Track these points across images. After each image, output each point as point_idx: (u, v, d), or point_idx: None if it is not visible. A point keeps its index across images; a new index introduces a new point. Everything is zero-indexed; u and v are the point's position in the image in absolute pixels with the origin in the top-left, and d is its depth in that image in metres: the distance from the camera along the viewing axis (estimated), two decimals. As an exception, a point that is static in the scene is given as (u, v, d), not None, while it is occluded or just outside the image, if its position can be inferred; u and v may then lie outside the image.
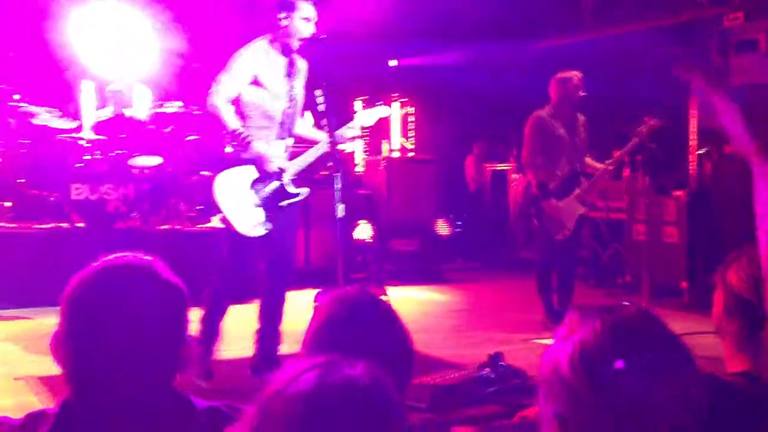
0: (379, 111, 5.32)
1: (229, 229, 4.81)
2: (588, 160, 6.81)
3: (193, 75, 8.67)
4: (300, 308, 4.68)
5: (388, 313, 1.87)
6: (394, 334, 1.83)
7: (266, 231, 4.83)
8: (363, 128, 5.36)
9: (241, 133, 4.75)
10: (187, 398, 1.66)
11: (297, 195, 4.96)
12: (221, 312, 4.91)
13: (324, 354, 1.21)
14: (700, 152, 9.08)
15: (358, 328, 1.77)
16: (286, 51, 4.85)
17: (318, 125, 5.01)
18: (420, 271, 9.81)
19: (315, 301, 1.92)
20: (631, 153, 6.85)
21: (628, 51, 10.58)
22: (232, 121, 4.76)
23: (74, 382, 1.61)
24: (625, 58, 10.57)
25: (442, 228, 10.69)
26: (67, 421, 1.57)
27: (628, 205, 9.06)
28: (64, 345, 1.61)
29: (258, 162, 4.81)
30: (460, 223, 12.29)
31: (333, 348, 1.66)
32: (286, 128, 4.92)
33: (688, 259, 8.20)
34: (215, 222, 8.35)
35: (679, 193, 8.60)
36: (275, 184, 4.88)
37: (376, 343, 1.73)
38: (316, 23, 4.79)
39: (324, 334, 1.77)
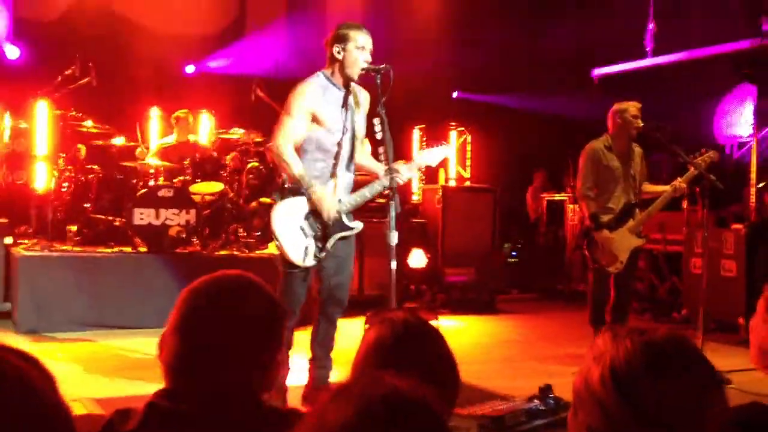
0: (442, 151, 5.21)
1: (283, 258, 4.82)
2: (648, 186, 6.68)
3: (256, 103, 8.85)
4: (352, 336, 4.72)
5: (436, 338, 1.91)
6: (441, 359, 1.87)
7: (319, 262, 4.82)
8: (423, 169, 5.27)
9: (304, 180, 4.71)
10: (277, 413, 1.71)
11: (352, 228, 4.92)
12: (287, 344, 4.84)
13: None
14: (759, 186, 8.93)
15: (406, 350, 1.81)
16: (346, 84, 4.81)
17: (375, 153, 4.94)
18: (474, 301, 9.77)
19: (366, 323, 1.98)
20: (690, 184, 6.71)
21: (683, 80, 10.54)
22: (296, 167, 4.69)
23: (170, 380, 1.70)
24: (681, 87, 10.52)
25: (498, 258, 10.65)
26: (153, 420, 1.64)
27: (686, 238, 8.94)
28: (169, 341, 1.71)
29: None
30: (515, 253, 12.26)
31: (381, 369, 1.72)
32: (343, 162, 4.86)
33: (746, 295, 8.05)
34: (272, 248, 8.50)
35: (738, 226, 8.44)
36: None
37: (423, 366, 1.77)
38: (372, 52, 4.74)
39: (373, 355, 1.82)
